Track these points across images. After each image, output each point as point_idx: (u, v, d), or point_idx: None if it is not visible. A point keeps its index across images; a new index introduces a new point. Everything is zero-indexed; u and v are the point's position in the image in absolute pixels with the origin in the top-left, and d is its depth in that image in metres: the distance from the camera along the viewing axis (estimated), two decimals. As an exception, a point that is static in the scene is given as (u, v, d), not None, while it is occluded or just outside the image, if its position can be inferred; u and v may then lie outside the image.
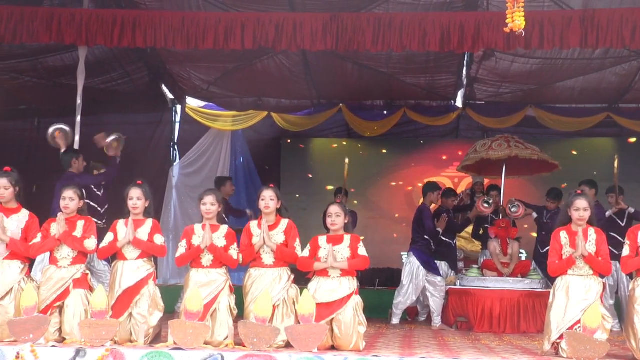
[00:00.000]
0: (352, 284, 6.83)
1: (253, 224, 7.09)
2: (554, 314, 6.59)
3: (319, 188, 14.90)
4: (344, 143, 15.10)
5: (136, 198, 6.83)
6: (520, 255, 11.15)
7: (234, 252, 6.88)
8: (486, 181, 12.96)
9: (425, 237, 10.38)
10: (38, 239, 6.80)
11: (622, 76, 12.14)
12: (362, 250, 6.92)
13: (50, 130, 9.89)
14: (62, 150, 9.57)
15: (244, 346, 6.10)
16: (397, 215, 15.20)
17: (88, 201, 7.63)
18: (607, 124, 13.42)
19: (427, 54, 11.04)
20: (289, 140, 15.52)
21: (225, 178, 11.63)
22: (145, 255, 6.76)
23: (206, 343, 6.24)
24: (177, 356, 5.72)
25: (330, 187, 13.34)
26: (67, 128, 9.85)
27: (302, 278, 7.30)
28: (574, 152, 14.43)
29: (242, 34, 9.19)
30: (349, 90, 13.28)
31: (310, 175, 15.41)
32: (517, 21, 6.60)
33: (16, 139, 13.11)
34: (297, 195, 15.13)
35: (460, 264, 11.71)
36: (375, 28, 9.09)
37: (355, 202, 14.07)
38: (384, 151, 15.48)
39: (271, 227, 6.98)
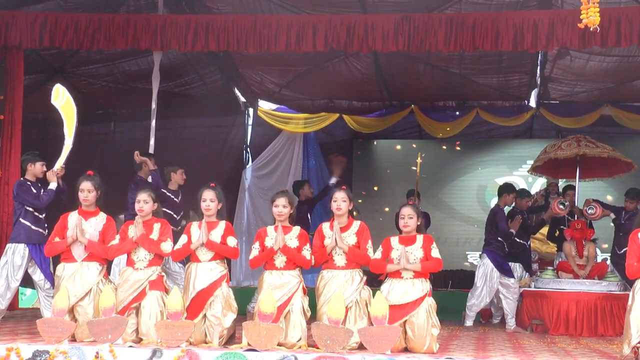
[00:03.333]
0: (425, 285, 6.80)
1: (325, 226, 7.10)
2: (634, 316, 6.42)
3: (391, 189, 14.87)
4: (416, 144, 15.02)
5: (209, 200, 6.92)
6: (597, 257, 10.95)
7: (306, 252, 6.90)
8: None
9: (499, 238, 10.26)
10: (116, 240, 6.97)
11: None
12: (435, 252, 6.88)
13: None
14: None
15: (317, 348, 6.12)
16: (469, 216, 15.06)
17: (165, 209, 7.75)
18: (687, 122, 13.06)
19: (499, 53, 10.94)
20: (360, 142, 15.53)
21: (303, 181, 11.66)
22: (218, 257, 6.83)
23: (279, 344, 6.28)
24: (251, 357, 5.77)
25: (402, 188, 13.27)
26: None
27: (374, 280, 7.29)
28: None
29: (314, 37, 9.25)
30: (421, 91, 13.23)
31: (382, 176, 15.37)
32: (592, 17, 6.46)
33: (92, 143, 13.41)
34: (370, 197, 15.13)
35: (535, 266, 11.52)
36: (447, 28, 9.04)
37: (428, 203, 13.98)
38: (456, 152, 15.35)
39: (343, 229, 6.99)
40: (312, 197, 11.16)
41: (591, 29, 6.68)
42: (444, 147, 15.27)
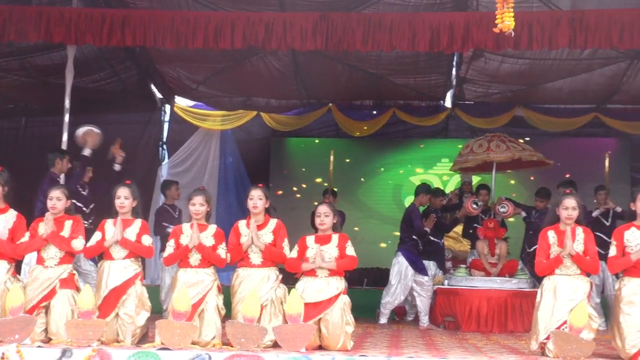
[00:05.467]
0: (340, 283, 6.84)
1: (242, 223, 7.08)
2: (542, 313, 6.61)
3: (308, 188, 14.92)
4: (333, 143, 15.08)
5: (123, 197, 6.82)
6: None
7: (222, 251, 6.87)
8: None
9: (414, 237, 10.40)
10: (26, 238, 6.78)
11: (610, 77, 12.21)
12: (350, 250, 6.93)
13: (82, 130, 9.56)
14: (86, 150, 9.34)
15: (232, 346, 6.09)
16: (386, 215, 15.21)
17: (74, 201, 7.59)
18: (595, 124, 13.50)
19: (416, 54, 11.07)
20: (278, 140, 15.53)
21: (171, 182, 11.45)
22: (133, 255, 6.74)
23: (193, 343, 6.23)
24: (164, 356, 5.71)
25: (318, 187, 13.34)
26: (97, 130, 9.58)
27: (290, 278, 7.30)
28: (560, 152, 14.46)
29: (232, 34, 9.19)
30: (339, 90, 13.30)
31: (299, 175, 15.40)
32: (506, 21, 6.63)
33: (2, 138, 13.05)
34: (287, 195, 15.15)
35: (448, 264, 11.73)
36: (365, 28, 9.10)
37: (345, 201, 14.06)
38: (373, 151, 15.49)
39: (259, 227, 6.98)
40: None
41: (506, 34, 6.85)
42: (361, 146, 15.38)
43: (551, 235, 6.77)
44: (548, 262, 6.72)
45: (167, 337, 6.01)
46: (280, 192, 15.08)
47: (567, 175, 11.61)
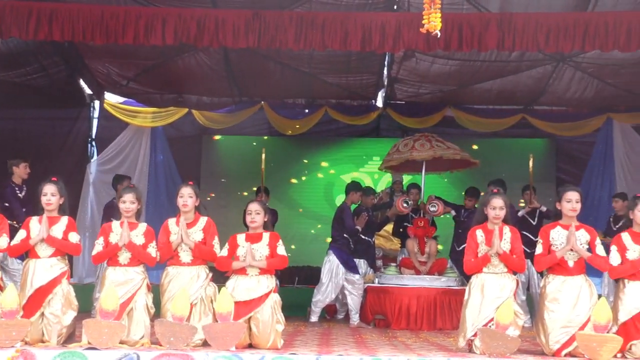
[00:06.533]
0: (270, 282, 6.83)
1: (171, 222, 7.02)
2: (469, 311, 6.72)
3: (240, 186, 14.85)
4: (265, 141, 15.05)
5: (50, 194, 6.69)
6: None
7: (152, 249, 6.80)
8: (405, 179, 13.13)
9: (345, 235, 10.45)
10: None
11: (537, 79, 12.45)
12: (281, 249, 6.93)
13: None
14: None
15: (161, 345, 6.04)
16: (317, 213, 15.25)
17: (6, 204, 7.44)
18: (522, 125, 13.74)
19: (348, 53, 11.10)
20: (209, 138, 15.42)
21: (123, 177, 11.34)
22: (59, 253, 6.62)
23: (122, 342, 6.16)
24: (90, 356, 5.62)
25: (250, 185, 13.28)
26: None
27: (220, 276, 7.26)
28: (489, 152, 14.72)
29: (163, 30, 9.07)
30: (271, 89, 13.27)
31: (231, 173, 15.32)
32: (433, 22, 6.72)
33: None
34: (218, 193, 15.06)
35: (379, 262, 11.81)
36: (297, 26, 9.08)
37: (277, 200, 14.05)
38: (305, 149, 15.50)
39: (189, 225, 6.93)
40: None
41: (432, 34, 6.93)
42: (293, 145, 15.38)
43: (479, 234, 6.89)
44: (476, 260, 6.83)
45: (95, 337, 5.93)
46: (211, 190, 14.97)
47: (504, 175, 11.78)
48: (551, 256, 6.77)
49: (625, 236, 6.82)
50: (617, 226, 10.49)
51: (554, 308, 6.61)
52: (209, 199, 14.51)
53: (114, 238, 6.75)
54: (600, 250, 6.76)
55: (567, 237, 6.70)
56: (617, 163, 13.28)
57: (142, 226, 6.89)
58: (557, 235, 6.80)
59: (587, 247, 6.77)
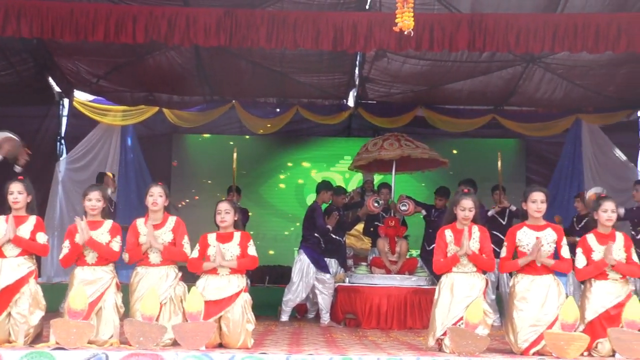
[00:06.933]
0: (241, 281, 6.82)
1: (140, 222, 6.97)
2: (439, 310, 6.75)
3: (211, 185, 14.80)
4: (237, 140, 15.02)
5: (17, 192, 6.62)
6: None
7: (115, 244, 6.73)
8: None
9: (316, 234, 10.45)
10: None
11: (507, 80, 12.54)
12: (251, 250, 6.92)
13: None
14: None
15: (130, 345, 6.00)
16: (288, 213, 15.25)
17: None
18: (493, 126, 13.84)
19: (320, 52, 11.12)
20: (180, 137, 15.36)
21: (104, 174, 11.34)
22: (26, 252, 6.55)
23: (90, 342, 6.10)
24: (58, 356, 5.56)
25: (222, 184, 13.22)
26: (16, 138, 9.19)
27: (190, 275, 7.22)
28: (458, 152, 14.81)
29: (134, 28, 9.01)
30: (242, 88, 13.24)
31: (202, 172, 15.27)
32: (406, 21, 6.74)
33: None
34: (189, 192, 15.00)
35: (350, 262, 11.83)
36: (269, 25, 9.07)
37: (248, 199, 14.03)
38: (276, 148, 15.49)
39: (159, 226, 6.89)
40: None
41: (405, 33, 6.96)
42: (265, 144, 15.36)
43: (448, 234, 6.92)
44: (445, 260, 6.86)
45: (63, 337, 5.87)
46: (182, 189, 14.91)
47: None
48: (514, 263, 6.85)
49: (591, 237, 6.90)
50: (579, 226, 10.62)
51: (523, 307, 6.66)
52: (179, 198, 14.45)
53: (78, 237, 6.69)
54: (565, 251, 6.82)
55: (532, 248, 6.74)
56: (585, 163, 13.43)
57: (108, 223, 6.83)
58: (524, 236, 6.85)
59: (554, 246, 6.83)
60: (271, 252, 14.52)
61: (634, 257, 6.85)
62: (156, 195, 6.89)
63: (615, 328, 6.32)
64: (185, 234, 6.93)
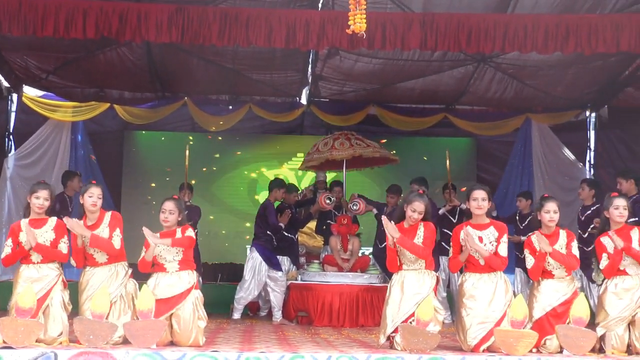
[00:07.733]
0: (191, 277, 6.79)
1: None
2: (389, 308, 6.79)
3: (162, 182, 14.68)
4: (189, 137, 14.92)
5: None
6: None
7: (63, 245, 6.65)
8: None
9: (268, 232, 10.45)
10: None
11: (459, 79, 12.65)
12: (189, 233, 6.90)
13: None
14: None
15: (80, 343, 5.94)
16: (241, 210, 15.21)
17: None
18: (444, 124, 13.93)
19: (272, 50, 11.08)
20: (131, 133, 15.22)
21: (73, 173, 11.23)
22: (-26, 250, 6.45)
23: (39, 341, 6.03)
24: (6, 355, 5.48)
25: (173, 181, 13.14)
26: None
27: (141, 273, 7.17)
28: (410, 151, 14.90)
29: (84, 23, 8.90)
30: (194, 84, 13.15)
31: (154, 169, 15.15)
32: (358, 23, 6.78)
33: None
34: (140, 189, 14.87)
35: (302, 259, 11.84)
36: (221, 22, 9.04)
37: (200, 196, 13.97)
38: (229, 146, 15.43)
39: (94, 226, 6.78)
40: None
41: (358, 35, 6.99)
42: (217, 141, 15.30)
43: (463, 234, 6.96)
44: (390, 256, 6.92)
45: (10, 335, 5.79)
46: (133, 186, 14.78)
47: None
48: (457, 260, 6.95)
49: (534, 238, 7.01)
50: (523, 224, 10.78)
51: (471, 305, 6.74)
52: (130, 195, 14.31)
53: (24, 237, 6.58)
54: (502, 248, 6.87)
55: (463, 240, 6.85)
56: (535, 162, 13.60)
57: (52, 221, 6.74)
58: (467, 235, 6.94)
59: (497, 244, 6.89)
60: (224, 249, 14.46)
61: (574, 250, 6.97)
62: (95, 196, 6.78)
63: (563, 325, 6.44)
64: (118, 226, 6.83)
